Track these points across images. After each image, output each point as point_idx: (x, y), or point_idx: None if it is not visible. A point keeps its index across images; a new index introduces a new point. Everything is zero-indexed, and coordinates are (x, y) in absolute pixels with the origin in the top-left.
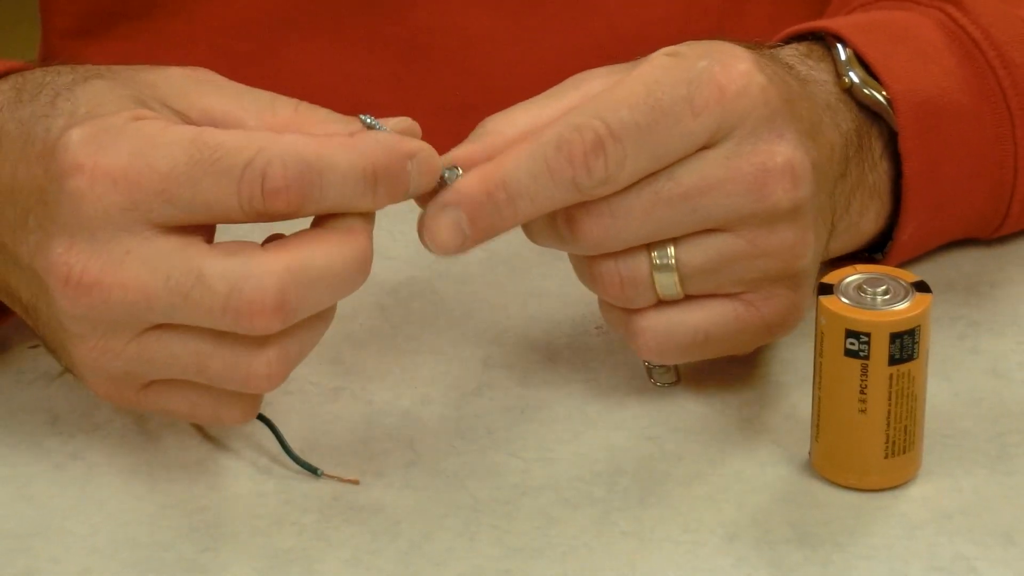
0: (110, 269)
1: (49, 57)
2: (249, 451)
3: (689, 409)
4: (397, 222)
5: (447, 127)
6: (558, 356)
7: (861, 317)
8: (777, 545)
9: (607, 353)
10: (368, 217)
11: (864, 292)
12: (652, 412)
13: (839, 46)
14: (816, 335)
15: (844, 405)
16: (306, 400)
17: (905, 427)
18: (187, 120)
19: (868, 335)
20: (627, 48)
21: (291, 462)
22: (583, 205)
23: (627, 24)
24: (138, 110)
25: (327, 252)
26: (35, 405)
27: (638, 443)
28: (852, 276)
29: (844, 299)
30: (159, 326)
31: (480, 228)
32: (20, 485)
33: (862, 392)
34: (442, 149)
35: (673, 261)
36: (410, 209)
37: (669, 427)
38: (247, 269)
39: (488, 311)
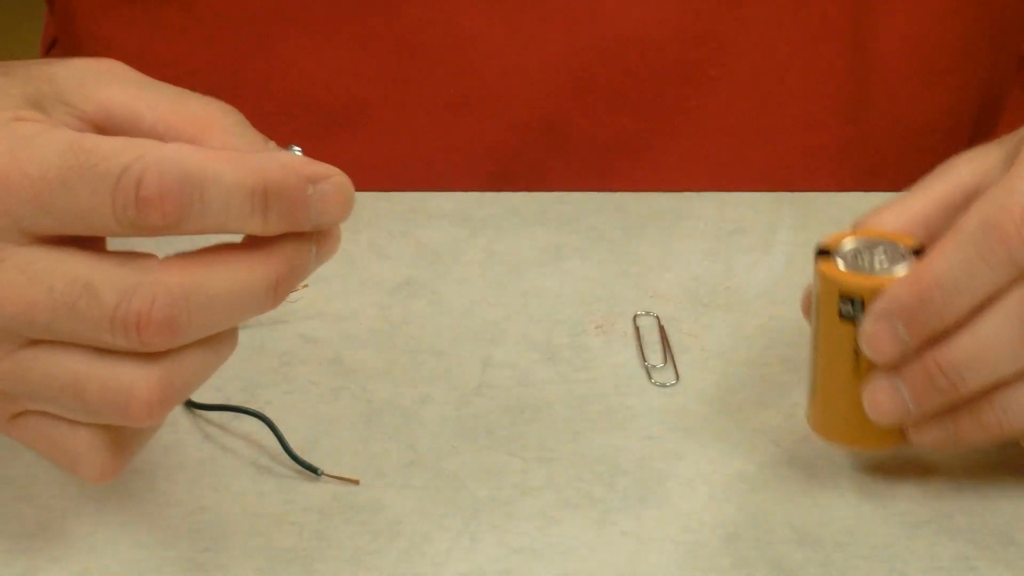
0: None
1: (60, 35)
2: (249, 451)
3: (689, 409)
4: (397, 222)
5: (441, 124)
6: (558, 356)
7: (855, 281)
8: (777, 545)
9: (607, 353)
10: (297, 243)
11: (861, 256)
12: (652, 412)
13: None
14: (813, 299)
15: (839, 367)
16: (306, 400)
17: None
18: (82, 115)
19: (862, 300)
20: (622, 47)
21: (291, 462)
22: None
23: (622, 24)
24: (20, 111)
25: (230, 271)
26: None
27: (638, 443)
28: (850, 240)
29: (841, 263)
30: (36, 342)
31: (919, 333)
32: (20, 485)
33: (856, 355)
34: (436, 145)
35: None
36: (409, 209)
37: (669, 427)
38: (138, 278)
39: (488, 311)
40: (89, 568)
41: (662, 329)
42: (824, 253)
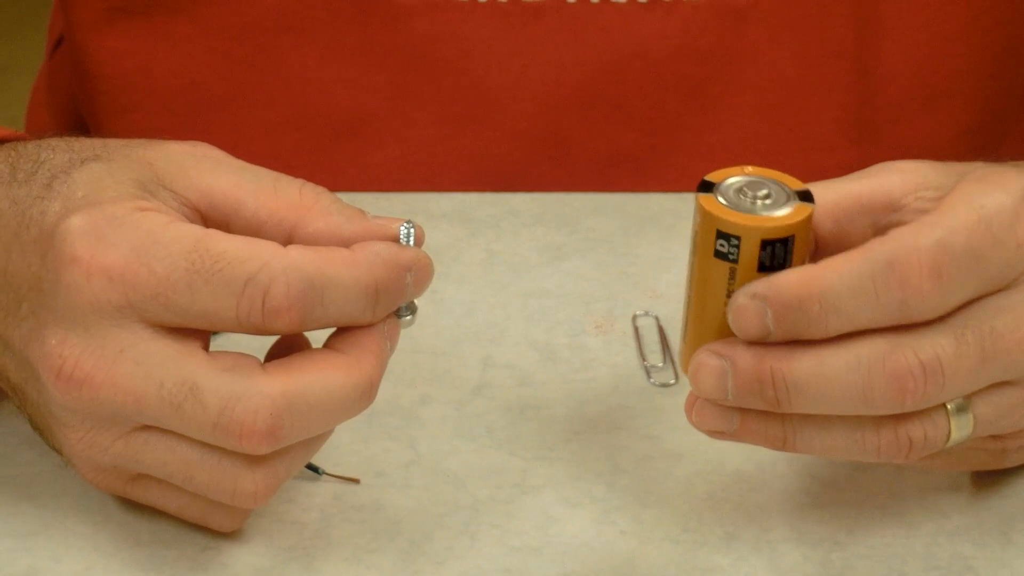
0: (103, 366)
1: (69, 46)
2: None
3: None
4: None
5: (445, 136)
6: (558, 356)
7: (734, 219)
8: (776, 545)
9: (607, 353)
10: (379, 339)
11: (744, 194)
12: (652, 412)
13: None
14: (692, 234)
15: (711, 306)
16: None
17: None
18: (186, 202)
19: (738, 238)
20: (625, 62)
21: None
22: (918, 361)
23: (626, 39)
24: (140, 201)
25: (328, 378)
26: None
27: (638, 443)
28: (735, 177)
29: (721, 199)
30: (148, 427)
31: (784, 330)
32: (22, 484)
33: (729, 296)
34: (440, 157)
35: (971, 418)
36: (408, 210)
37: (669, 427)
38: (242, 389)
39: (488, 311)
40: (91, 567)
41: (661, 329)
42: (706, 187)
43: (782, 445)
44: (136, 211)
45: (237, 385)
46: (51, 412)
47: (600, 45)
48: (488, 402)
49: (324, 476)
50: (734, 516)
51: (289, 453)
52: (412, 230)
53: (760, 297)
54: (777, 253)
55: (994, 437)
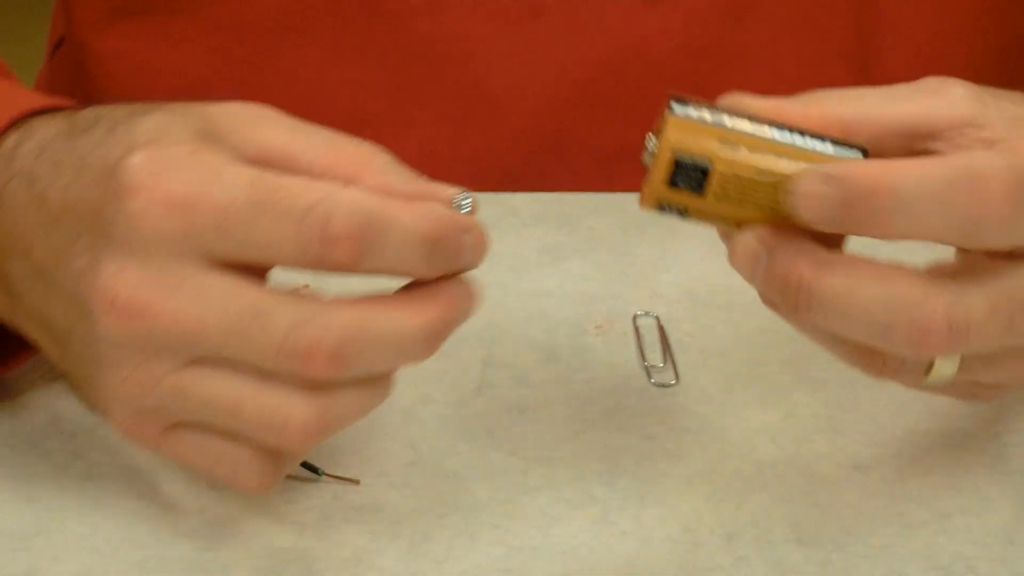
0: (162, 296)
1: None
2: None
3: (689, 409)
4: None
5: (446, 135)
6: (558, 356)
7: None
8: (777, 545)
9: (607, 353)
10: (448, 292)
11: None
12: (652, 412)
13: None
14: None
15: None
16: None
17: None
18: (243, 156)
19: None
20: (627, 60)
21: None
22: (947, 320)
23: (626, 37)
24: (199, 143)
25: (395, 315)
26: (36, 404)
27: (638, 443)
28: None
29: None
30: (200, 361)
31: (846, 219)
32: (21, 484)
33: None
34: (441, 156)
35: (958, 359)
36: None
37: (669, 427)
38: (310, 312)
39: (488, 311)
40: (90, 568)
41: (661, 329)
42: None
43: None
44: (194, 152)
45: (305, 309)
46: (97, 354)
47: (601, 43)
48: (488, 402)
49: (324, 477)
50: (734, 516)
51: (343, 395)
52: (470, 200)
53: (834, 180)
54: (687, 170)
55: (973, 383)
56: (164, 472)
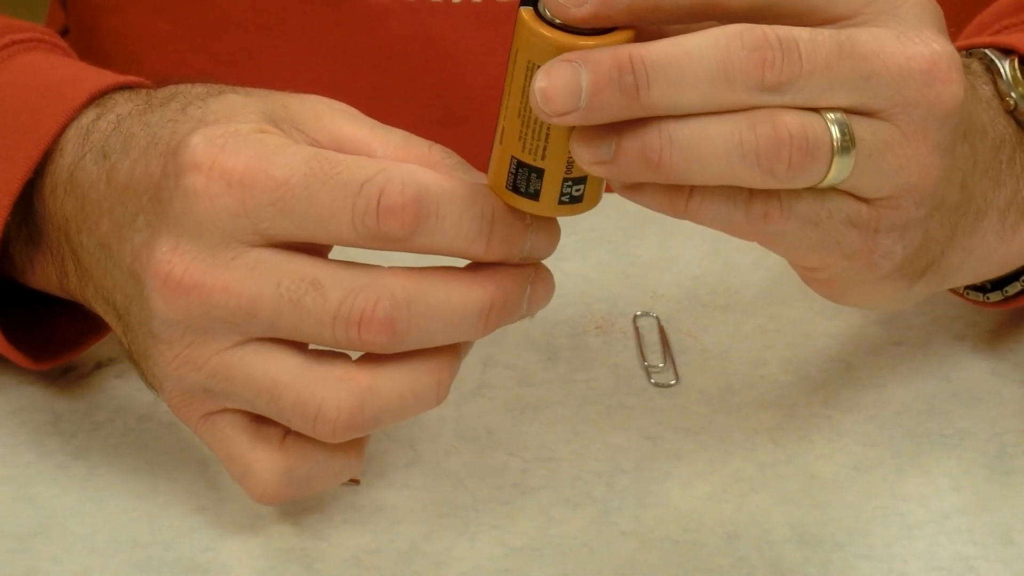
0: (214, 272)
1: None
2: None
3: (689, 409)
4: None
5: (429, 137)
6: (558, 356)
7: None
8: (777, 545)
9: (607, 353)
10: (514, 276)
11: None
12: (652, 412)
13: (1003, 63)
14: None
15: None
16: None
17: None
18: (314, 142)
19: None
20: None
21: None
22: (775, 35)
23: None
24: (263, 125)
25: (450, 287)
26: (36, 404)
27: (638, 443)
28: None
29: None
30: (247, 342)
31: (597, 104)
32: (21, 485)
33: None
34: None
35: (851, 135)
36: None
37: (669, 427)
38: (365, 279)
39: None
40: (90, 568)
41: (662, 329)
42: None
43: (655, 162)
44: (257, 131)
45: (360, 275)
46: (151, 330)
47: None
48: (488, 402)
49: None
50: (735, 517)
51: (384, 390)
52: None
53: (575, 60)
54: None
55: (870, 206)
56: (164, 472)
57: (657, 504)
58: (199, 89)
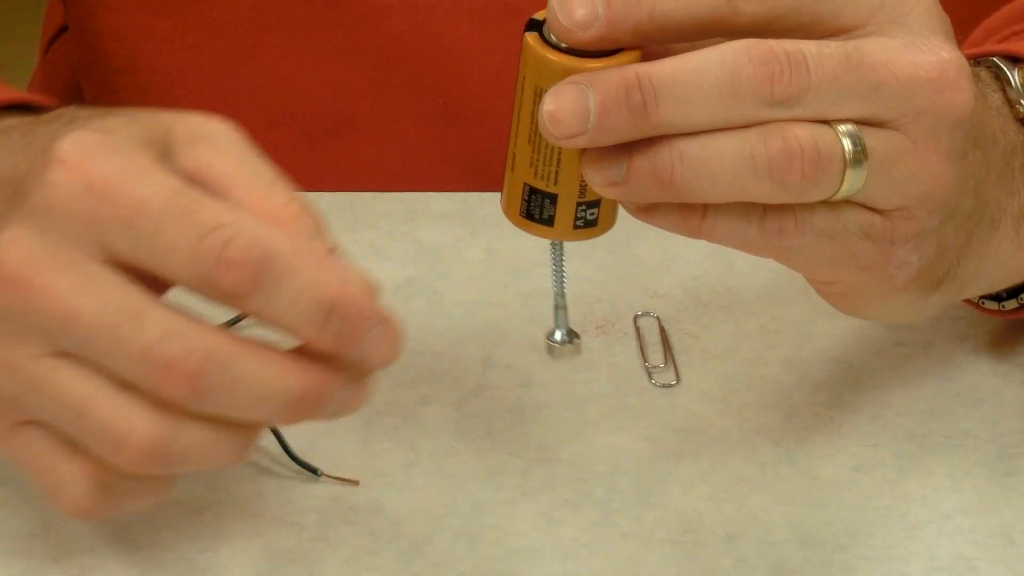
0: (46, 272)
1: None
2: None
3: (689, 409)
4: (397, 222)
5: (427, 134)
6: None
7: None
8: (778, 545)
9: (607, 353)
10: (333, 374)
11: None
12: (652, 412)
13: (1012, 72)
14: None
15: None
16: None
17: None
18: (179, 170)
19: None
20: None
21: (291, 462)
22: (781, 49)
23: None
24: (143, 146)
25: (268, 365)
26: None
27: (638, 443)
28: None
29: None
30: (62, 355)
31: (606, 125)
32: (20, 486)
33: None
34: (423, 155)
35: (863, 147)
36: (408, 210)
37: (669, 427)
38: (186, 327)
39: (488, 311)
40: (89, 568)
41: (662, 330)
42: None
43: (667, 181)
44: (136, 150)
45: (183, 323)
46: None
47: None
48: (488, 402)
49: (323, 477)
50: (735, 517)
51: (191, 433)
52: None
53: (583, 82)
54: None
55: (884, 217)
56: None
57: (658, 505)
58: (87, 111)
